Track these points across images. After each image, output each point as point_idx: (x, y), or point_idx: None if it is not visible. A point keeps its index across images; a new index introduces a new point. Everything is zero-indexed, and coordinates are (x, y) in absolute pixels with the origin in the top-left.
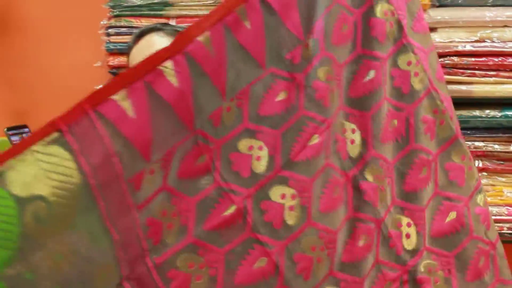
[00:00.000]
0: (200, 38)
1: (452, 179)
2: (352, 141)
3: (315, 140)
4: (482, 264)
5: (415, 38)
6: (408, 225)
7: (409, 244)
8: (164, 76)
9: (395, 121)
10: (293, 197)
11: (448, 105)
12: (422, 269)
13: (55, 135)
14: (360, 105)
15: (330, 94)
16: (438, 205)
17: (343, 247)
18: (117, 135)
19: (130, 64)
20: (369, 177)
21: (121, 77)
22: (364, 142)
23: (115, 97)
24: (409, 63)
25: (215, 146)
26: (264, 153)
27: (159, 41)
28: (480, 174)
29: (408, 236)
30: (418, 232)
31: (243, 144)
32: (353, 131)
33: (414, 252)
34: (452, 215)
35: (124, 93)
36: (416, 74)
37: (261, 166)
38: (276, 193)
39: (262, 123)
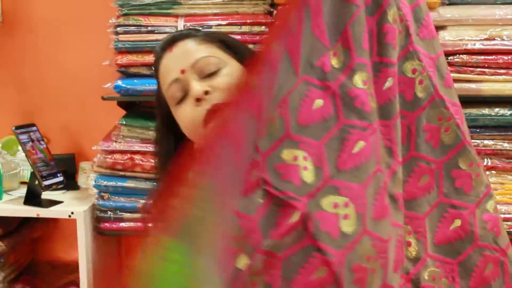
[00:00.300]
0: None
1: (458, 186)
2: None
3: (361, 146)
4: (490, 271)
5: (421, 45)
6: (409, 233)
7: (411, 252)
8: None
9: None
10: (346, 204)
11: (456, 111)
12: (426, 277)
13: None
14: (381, 114)
15: (370, 98)
16: (443, 213)
17: (393, 257)
18: None
19: (160, 77)
20: (395, 188)
21: None
22: (390, 151)
23: None
24: (414, 71)
25: (261, 159)
26: (309, 164)
27: (195, 49)
28: (489, 173)
29: (409, 244)
30: (418, 240)
31: (287, 155)
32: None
33: (416, 260)
34: (457, 222)
35: None
36: (421, 82)
37: (309, 175)
38: (328, 203)
39: (302, 133)
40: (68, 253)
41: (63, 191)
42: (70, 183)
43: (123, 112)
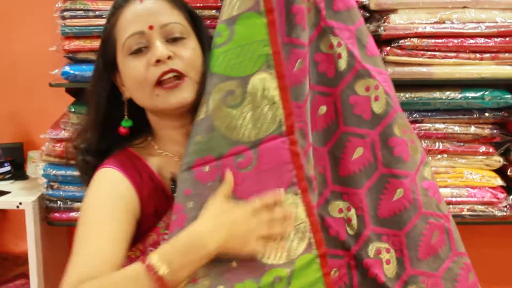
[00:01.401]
0: None
1: (397, 154)
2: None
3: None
4: (436, 239)
5: (336, 18)
6: (348, 209)
7: (351, 228)
8: None
9: (324, 108)
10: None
11: (384, 79)
12: (370, 253)
13: None
14: (294, 96)
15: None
16: (384, 184)
17: None
18: None
19: (120, 21)
20: (310, 170)
21: None
22: (303, 133)
23: None
24: (331, 46)
25: None
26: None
27: (167, 11)
28: (440, 156)
29: (349, 220)
30: (358, 216)
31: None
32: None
33: (357, 236)
34: (400, 192)
35: None
36: (339, 56)
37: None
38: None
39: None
40: (17, 245)
41: (11, 181)
42: (19, 173)
43: (73, 99)
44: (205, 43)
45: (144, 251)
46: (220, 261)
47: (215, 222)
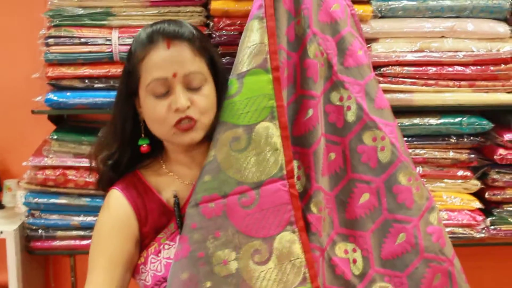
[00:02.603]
0: None
1: (400, 201)
2: (299, 177)
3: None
4: (438, 282)
5: (346, 73)
6: (354, 250)
7: (357, 269)
8: None
9: (332, 155)
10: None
11: (390, 131)
12: None
13: None
14: (301, 142)
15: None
16: (388, 228)
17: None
18: None
19: (145, 63)
20: (314, 209)
21: None
22: (308, 177)
23: None
24: (341, 99)
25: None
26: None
27: (191, 59)
28: None
29: (354, 261)
30: (363, 257)
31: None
32: (298, 167)
33: (363, 276)
34: (402, 236)
35: None
36: (349, 108)
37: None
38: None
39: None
40: None
41: None
42: None
43: (50, 127)
44: (220, 84)
45: (147, 258)
46: None
47: None
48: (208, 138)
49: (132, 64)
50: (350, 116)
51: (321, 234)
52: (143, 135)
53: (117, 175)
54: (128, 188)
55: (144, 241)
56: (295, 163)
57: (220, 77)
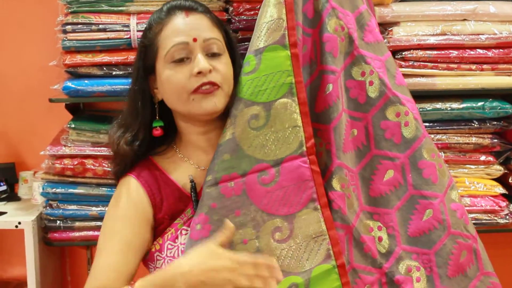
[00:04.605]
0: None
1: (426, 176)
2: (321, 154)
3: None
4: (464, 259)
5: (367, 48)
6: (379, 228)
7: (382, 247)
8: None
9: (355, 131)
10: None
11: (412, 107)
12: (401, 270)
13: None
14: (322, 118)
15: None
16: (414, 204)
17: None
18: None
19: (165, 31)
20: (337, 186)
21: None
22: (329, 153)
23: None
24: (363, 74)
25: None
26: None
27: (210, 27)
28: None
29: (380, 239)
30: (389, 234)
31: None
32: (320, 144)
33: (389, 254)
34: (429, 213)
35: None
36: (371, 83)
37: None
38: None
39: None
40: (6, 270)
41: (3, 202)
42: (11, 194)
43: (66, 118)
44: (236, 60)
45: (163, 245)
46: None
47: (194, 263)
48: (225, 120)
49: (149, 38)
50: (373, 92)
51: (345, 212)
52: (157, 117)
53: (136, 160)
54: (143, 174)
55: (158, 227)
56: (316, 141)
57: (235, 51)
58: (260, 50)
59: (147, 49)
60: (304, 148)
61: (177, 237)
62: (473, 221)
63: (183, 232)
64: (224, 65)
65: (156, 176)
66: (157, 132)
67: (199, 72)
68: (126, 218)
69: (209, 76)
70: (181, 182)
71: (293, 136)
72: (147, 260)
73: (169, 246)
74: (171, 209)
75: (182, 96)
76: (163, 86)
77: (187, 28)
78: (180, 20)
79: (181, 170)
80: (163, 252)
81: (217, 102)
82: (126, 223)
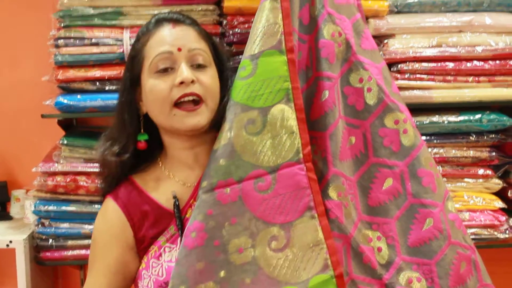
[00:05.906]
0: None
1: (426, 185)
2: (315, 162)
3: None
4: (464, 270)
5: (365, 55)
6: (378, 238)
7: (382, 257)
8: None
9: (353, 138)
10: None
11: (408, 115)
12: (401, 281)
13: None
14: (318, 126)
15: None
16: (414, 214)
17: None
18: None
19: (151, 41)
20: (333, 195)
21: None
22: (325, 161)
23: None
24: (361, 80)
25: None
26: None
27: (195, 38)
28: None
29: (380, 250)
30: (389, 245)
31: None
32: (315, 152)
33: (389, 265)
34: (429, 222)
35: None
36: (369, 90)
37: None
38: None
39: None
40: None
41: None
42: (2, 213)
43: (58, 134)
44: (224, 75)
45: (148, 263)
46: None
47: None
48: (213, 133)
49: (136, 49)
50: (371, 98)
51: (342, 221)
52: (142, 130)
53: (125, 173)
54: (120, 195)
55: (141, 246)
56: (311, 149)
57: (224, 65)
58: (256, 55)
59: (134, 60)
60: (301, 155)
61: (160, 255)
62: (473, 236)
63: (167, 249)
64: (209, 77)
65: (134, 195)
66: (141, 145)
67: (182, 82)
68: (102, 244)
69: (192, 87)
70: (162, 200)
71: (289, 142)
72: (137, 278)
73: (154, 264)
74: (152, 228)
75: (165, 108)
76: (146, 97)
77: (172, 38)
78: (166, 31)
79: (165, 187)
80: (148, 270)
81: (200, 119)
82: (108, 248)
